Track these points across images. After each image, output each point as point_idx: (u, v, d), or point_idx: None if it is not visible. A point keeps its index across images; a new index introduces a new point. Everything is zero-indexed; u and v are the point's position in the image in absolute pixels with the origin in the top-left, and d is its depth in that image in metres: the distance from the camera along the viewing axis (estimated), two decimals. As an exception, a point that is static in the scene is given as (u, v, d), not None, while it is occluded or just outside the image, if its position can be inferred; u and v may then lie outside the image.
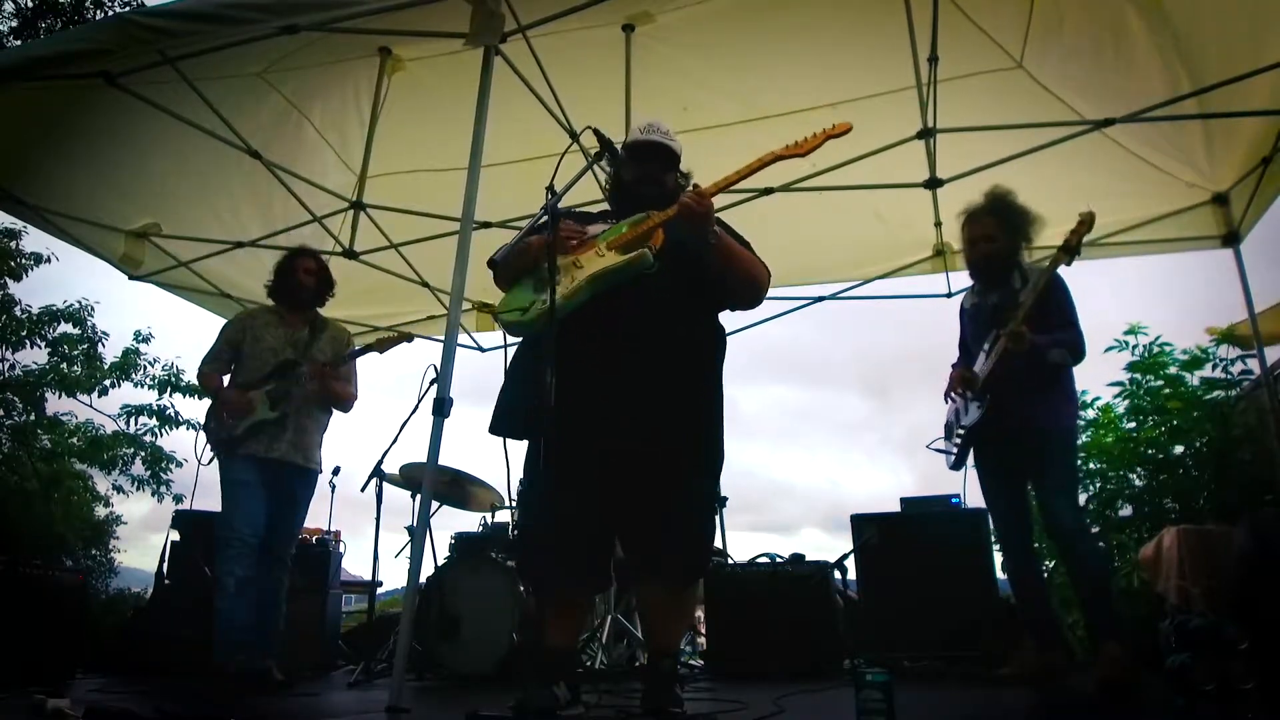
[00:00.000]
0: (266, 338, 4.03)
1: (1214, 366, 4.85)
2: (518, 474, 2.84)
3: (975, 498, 4.30)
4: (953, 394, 3.56)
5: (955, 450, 3.51)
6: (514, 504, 4.83)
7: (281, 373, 3.93)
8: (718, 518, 5.06)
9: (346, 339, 4.25)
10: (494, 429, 2.61)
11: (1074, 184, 4.56)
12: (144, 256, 5.06)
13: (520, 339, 2.68)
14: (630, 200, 2.69)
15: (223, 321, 4.36)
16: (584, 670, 3.96)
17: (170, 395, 8.96)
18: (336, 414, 4.19)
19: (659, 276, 2.49)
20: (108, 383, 8.77)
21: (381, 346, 4.21)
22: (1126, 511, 4.95)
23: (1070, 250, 3.28)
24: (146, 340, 9.06)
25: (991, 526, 3.57)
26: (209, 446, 3.93)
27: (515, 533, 4.65)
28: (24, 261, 8.01)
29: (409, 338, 4.37)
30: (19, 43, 8.20)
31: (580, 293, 2.47)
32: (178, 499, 8.61)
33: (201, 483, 3.97)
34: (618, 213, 2.71)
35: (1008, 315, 3.28)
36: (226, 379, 4.04)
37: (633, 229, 2.54)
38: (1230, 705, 2.30)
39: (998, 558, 4.32)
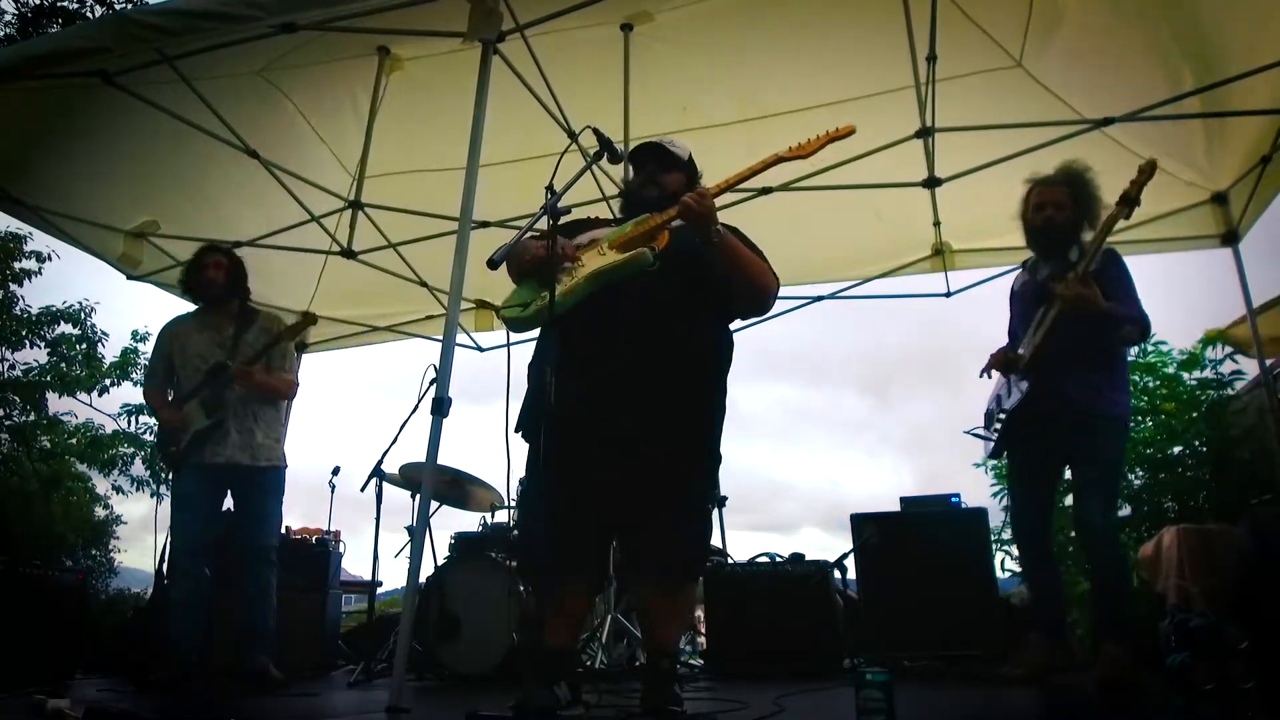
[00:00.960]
0: (192, 345, 4.02)
1: (1203, 367, 4.87)
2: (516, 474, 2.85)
3: (979, 497, 4.30)
4: (991, 373, 3.42)
5: (995, 438, 3.38)
6: (514, 504, 4.83)
7: (214, 376, 3.92)
8: (717, 517, 5.07)
9: (277, 326, 4.14)
10: (518, 429, 2.63)
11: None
12: (142, 256, 5.05)
13: (524, 336, 2.68)
14: (634, 205, 2.70)
15: None
16: (584, 670, 3.96)
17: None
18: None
19: (662, 276, 2.48)
20: (108, 382, 8.78)
21: (291, 334, 4.12)
22: (1126, 511, 4.95)
23: (1129, 202, 3.07)
24: (144, 339, 9.08)
25: (1010, 518, 3.51)
26: (162, 463, 4.01)
27: (515, 532, 4.64)
28: (26, 266, 8.02)
29: (313, 319, 4.32)
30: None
31: (578, 290, 2.46)
32: (177, 499, 8.59)
33: None
34: (628, 219, 2.72)
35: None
36: (171, 394, 4.04)
37: (636, 228, 2.54)
38: (1230, 704, 2.30)
39: (999, 556, 4.32)
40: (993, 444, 3.42)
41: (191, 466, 3.86)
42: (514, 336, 2.65)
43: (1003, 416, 3.32)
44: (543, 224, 2.43)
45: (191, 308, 4.30)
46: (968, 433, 3.57)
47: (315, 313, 4.32)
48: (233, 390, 3.91)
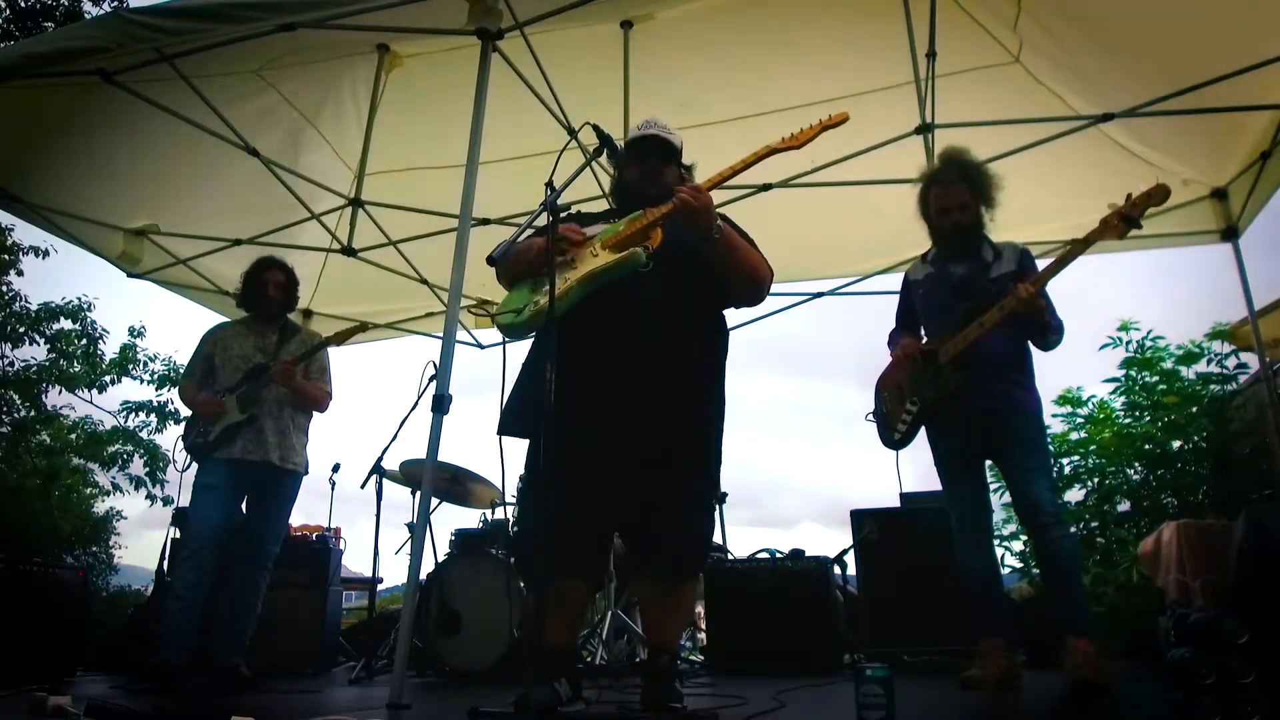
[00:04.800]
0: (235, 346, 4.12)
1: (1208, 361, 4.88)
2: (513, 472, 2.83)
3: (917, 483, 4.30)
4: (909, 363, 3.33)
5: (903, 427, 3.32)
6: (514, 500, 4.83)
7: (253, 376, 4.00)
8: (717, 514, 5.07)
9: (317, 340, 4.28)
10: (501, 430, 2.59)
11: (1072, 179, 4.56)
12: (142, 254, 5.06)
13: (523, 339, 2.65)
14: (632, 199, 2.67)
15: (218, 321, 4.48)
16: (584, 666, 3.97)
17: (170, 390, 8.99)
18: (329, 409, 4.26)
19: (659, 274, 2.46)
20: (107, 379, 8.79)
21: (339, 339, 4.26)
22: (1125, 506, 4.96)
23: (1130, 222, 2.97)
24: (141, 335, 9.10)
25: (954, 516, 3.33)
26: (186, 454, 4.03)
27: (514, 529, 4.65)
28: (11, 257, 8.01)
29: (364, 327, 4.43)
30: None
31: (571, 294, 2.44)
32: (168, 501, 8.63)
33: (186, 487, 4.06)
34: (621, 213, 2.70)
35: (981, 288, 3.15)
36: (204, 394, 4.09)
37: (629, 226, 2.51)
38: (1230, 699, 2.30)
39: (999, 552, 4.28)
40: (899, 432, 3.34)
41: (219, 460, 3.90)
42: (510, 340, 2.61)
43: (913, 407, 3.29)
44: (542, 220, 2.42)
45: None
46: (868, 418, 3.51)
47: (362, 320, 4.44)
48: (270, 390, 3.99)
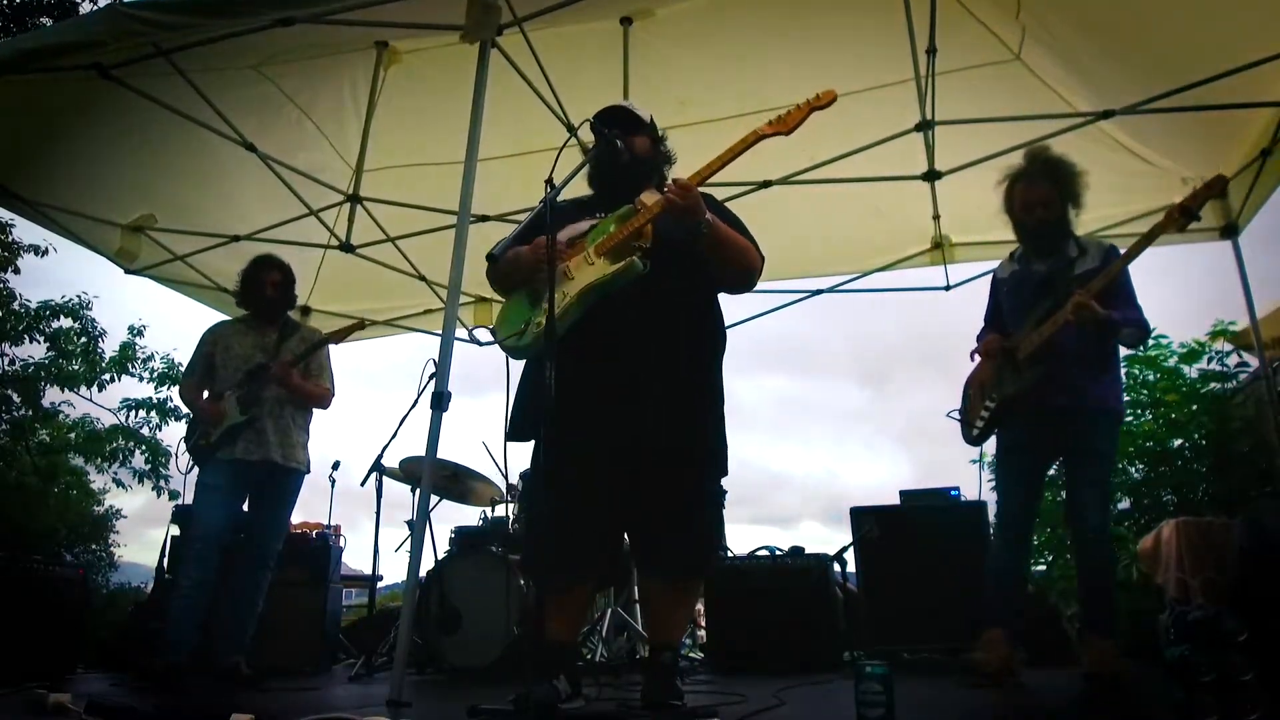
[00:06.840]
0: (236, 345, 4.13)
1: (1209, 359, 4.87)
2: (510, 470, 2.80)
3: (977, 491, 4.28)
4: (975, 356, 3.42)
5: (981, 423, 3.36)
6: (513, 499, 4.83)
7: (253, 376, 4.01)
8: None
9: (317, 337, 4.29)
10: (509, 436, 2.59)
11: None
12: (140, 250, 5.05)
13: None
14: (604, 176, 2.68)
15: (216, 318, 4.49)
16: (584, 663, 3.97)
17: (170, 388, 9.00)
18: (328, 411, 4.26)
19: (651, 270, 2.45)
20: (107, 377, 8.79)
21: (337, 337, 4.28)
22: (1125, 504, 4.96)
23: (1190, 215, 2.98)
24: (140, 333, 9.10)
25: (997, 508, 3.39)
26: (189, 456, 4.05)
27: (516, 527, 4.65)
28: (12, 254, 8.00)
29: (363, 324, 4.44)
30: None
31: (572, 310, 2.44)
32: (173, 495, 8.64)
33: (189, 486, 4.09)
34: (600, 197, 2.69)
35: (1062, 285, 3.14)
36: (207, 392, 4.12)
37: (620, 228, 2.49)
38: (1229, 697, 2.30)
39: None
40: (977, 428, 3.39)
41: (221, 460, 3.91)
42: (513, 359, 2.62)
43: (991, 404, 3.31)
44: (542, 217, 2.40)
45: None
46: (949, 415, 3.57)
47: (360, 318, 4.46)
48: (270, 390, 4.00)
